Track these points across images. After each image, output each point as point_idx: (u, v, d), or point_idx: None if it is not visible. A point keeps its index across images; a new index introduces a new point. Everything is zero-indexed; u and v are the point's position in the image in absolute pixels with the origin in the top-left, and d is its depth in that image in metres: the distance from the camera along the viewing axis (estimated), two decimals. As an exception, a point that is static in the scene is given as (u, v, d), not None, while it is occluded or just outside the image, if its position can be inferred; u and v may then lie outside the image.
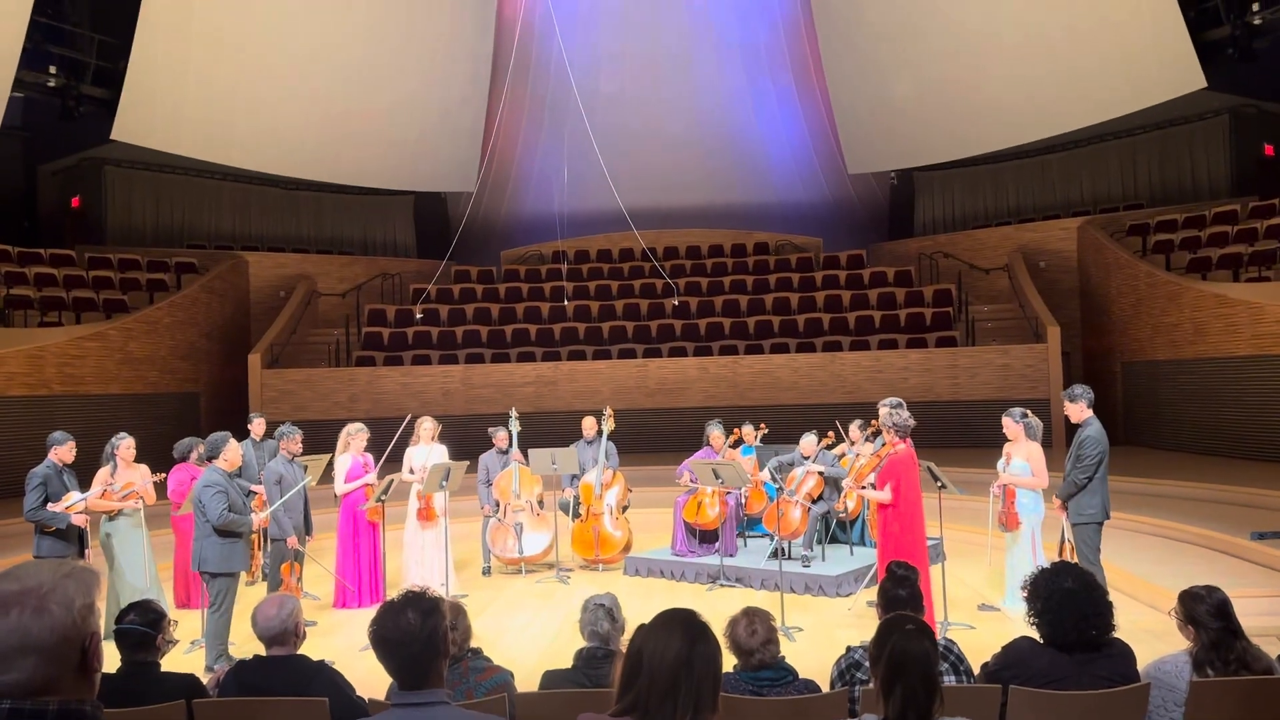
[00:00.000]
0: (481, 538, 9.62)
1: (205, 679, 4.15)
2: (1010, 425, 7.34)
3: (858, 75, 20.76)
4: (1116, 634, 3.49)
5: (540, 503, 9.59)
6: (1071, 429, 7.07)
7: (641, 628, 2.50)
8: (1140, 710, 3.36)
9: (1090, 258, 18.22)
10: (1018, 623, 6.33)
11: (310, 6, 18.91)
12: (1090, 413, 6.82)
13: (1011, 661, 3.50)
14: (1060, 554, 6.83)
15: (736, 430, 9.89)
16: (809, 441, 9.10)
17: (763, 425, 10.44)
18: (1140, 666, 3.48)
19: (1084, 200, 20.28)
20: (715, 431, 9.52)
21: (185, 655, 6.54)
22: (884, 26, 19.84)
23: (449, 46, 20.85)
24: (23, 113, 18.53)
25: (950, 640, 3.88)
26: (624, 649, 2.57)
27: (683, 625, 2.45)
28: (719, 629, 3.61)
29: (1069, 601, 3.40)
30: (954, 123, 19.78)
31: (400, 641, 2.55)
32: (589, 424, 9.99)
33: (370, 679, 4.60)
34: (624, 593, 4.29)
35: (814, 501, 8.75)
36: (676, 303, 18.79)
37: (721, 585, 8.49)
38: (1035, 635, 3.52)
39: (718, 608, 3.91)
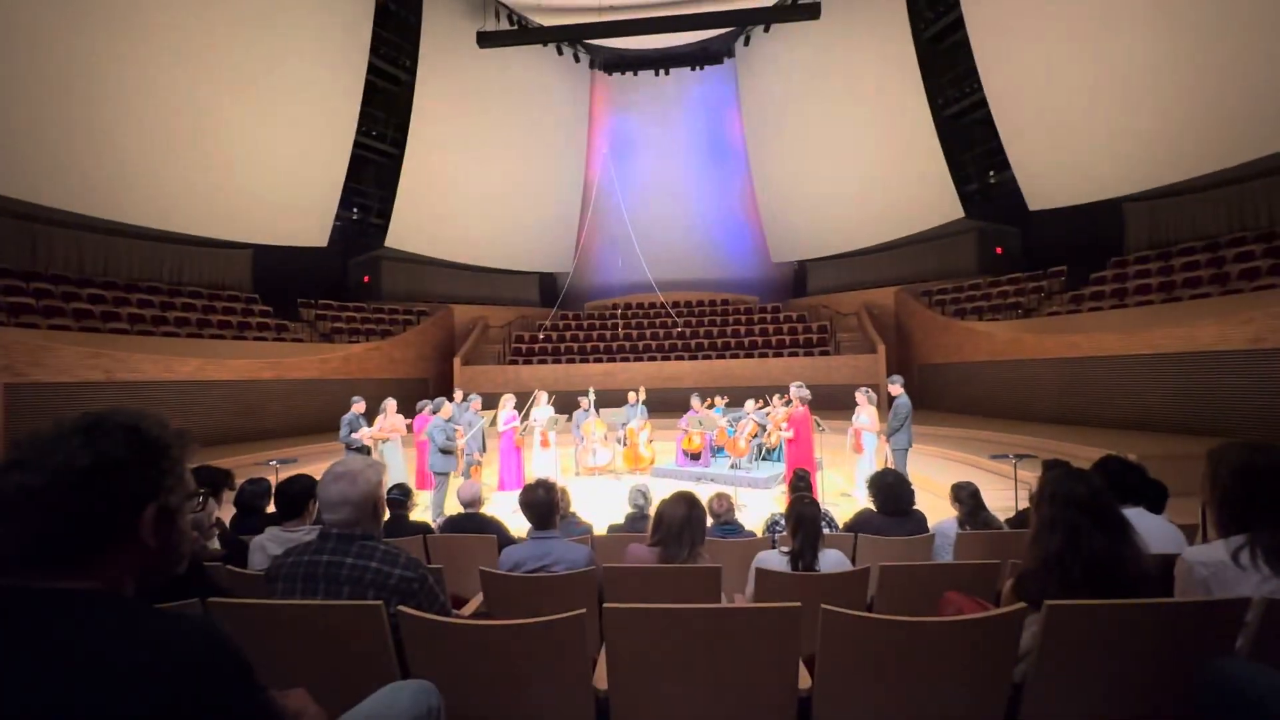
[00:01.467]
0: (574, 455, 9.68)
1: (433, 524, 4.29)
2: (860, 397, 7.30)
3: (771, 185, 20.36)
4: (916, 508, 3.50)
5: (605, 437, 9.62)
6: (890, 400, 7.01)
7: (663, 500, 2.62)
8: (929, 548, 3.39)
9: (902, 309, 17.79)
10: (863, 502, 6.29)
11: (489, 159, 19.14)
12: (902, 390, 6.80)
13: (859, 523, 3.55)
14: (885, 466, 6.79)
15: (710, 399, 9.85)
16: (750, 404, 9.09)
17: (725, 397, 10.40)
18: (930, 526, 3.49)
19: (898, 277, 19.67)
20: (695, 401, 9.52)
21: (420, 514, 6.68)
22: (780, 152, 19.35)
23: (561, 181, 20.92)
24: (340, 230, 18.95)
25: (827, 509, 3.93)
26: (652, 513, 2.69)
27: (684, 499, 2.59)
28: (703, 503, 3.71)
29: (891, 488, 3.44)
30: (829, 227, 19.42)
31: (533, 503, 2.69)
32: (631, 396, 10.04)
33: (518, 528, 4.74)
34: (652, 485, 4.37)
35: (753, 438, 8.73)
36: (679, 329, 18.68)
37: (704, 483, 8.46)
38: (873, 508, 3.56)
39: (703, 493, 3.99)
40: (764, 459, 9.17)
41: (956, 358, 14.86)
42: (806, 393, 6.78)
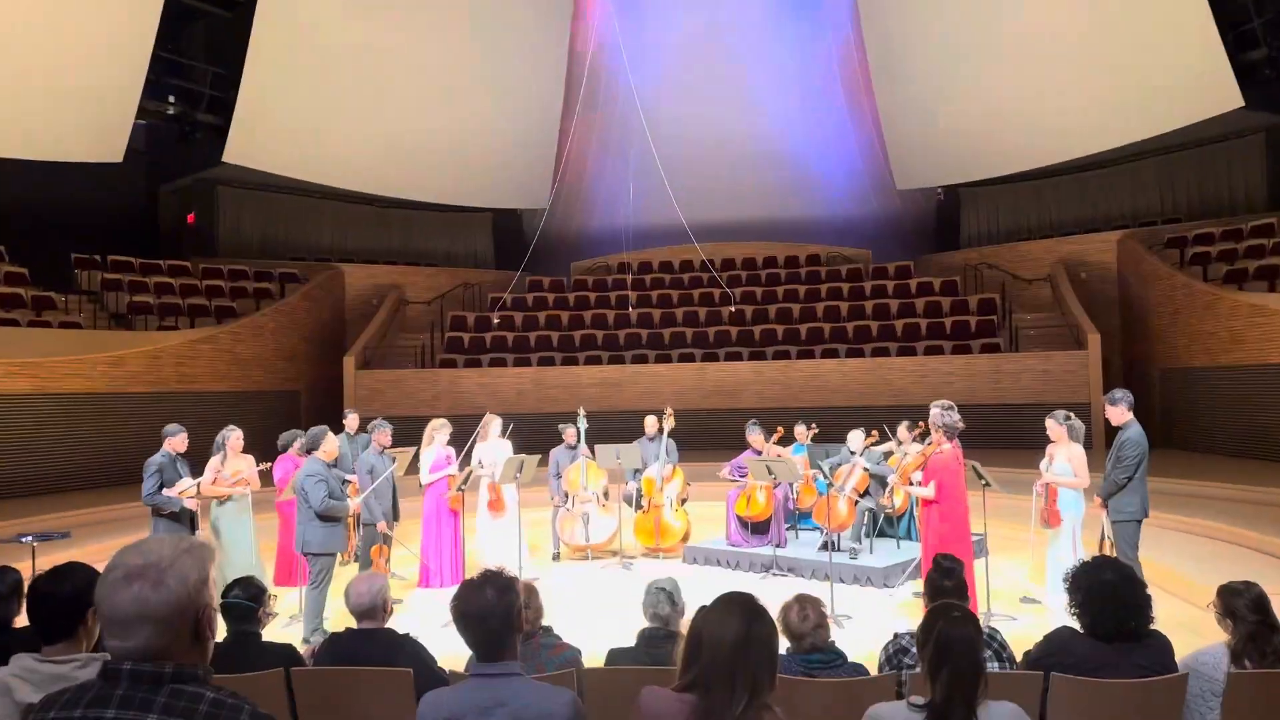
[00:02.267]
0: (551, 525, 9.69)
1: (302, 649, 4.25)
2: (1054, 427, 7.16)
3: (906, 94, 20.45)
4: (1154, 627, 3.38)
5: (605, 494, 9.64)
6: (1112, 431, 6.88)
7: (702, 609, 2.50)
8: (1178, 699, 3.26)
9: (1130, 269, 17.71)
10: (1058, 614, 6.16)
11: (398, 42, 19.33)
12: (1130, 415, 6.63)
13: (1053, 649, 3.42)
14: (1100, 550, 6.64)
15: (779, 429, 9.79)
16: (856, 435, 9.01)
17: (813, 425, 10.34)
18: (1178, 658, 3.37)
19: (1123, 215, 19.70)
20: (755, 435, 9.45)
21: (284, 628, 6.71)
22: (932, 48, 19.51)
23: (525, 74, 21.13)
24: (145, 138, 19.28)
25: (994, 629, 3.81)
26: (684, 630, 2.58)
27: (741, 607, 2.45)
28: (772, 614, 3.61)
29: (1108, 593, 3.30)
30: (999, 140, 19.34)
31: (479, 616, 2.59)
32: (651, 422, 10.01)
33: (451, 653, 4.68)
34: (682, 579, 4.28)
35: (861, 496, 8.63)
36: (733, 310, 18.72)
37: (774, 574, 8.43)
38: (1076, 626, 3.43)
39: (771, 595, 3.89)
40: (881, 534, 9.13)
41: (1231, 357, 14.66)
42: (956, 419, 6.64)
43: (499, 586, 2.63)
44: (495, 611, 2.59)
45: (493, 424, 9.00)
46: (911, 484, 6.95)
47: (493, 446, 8.89)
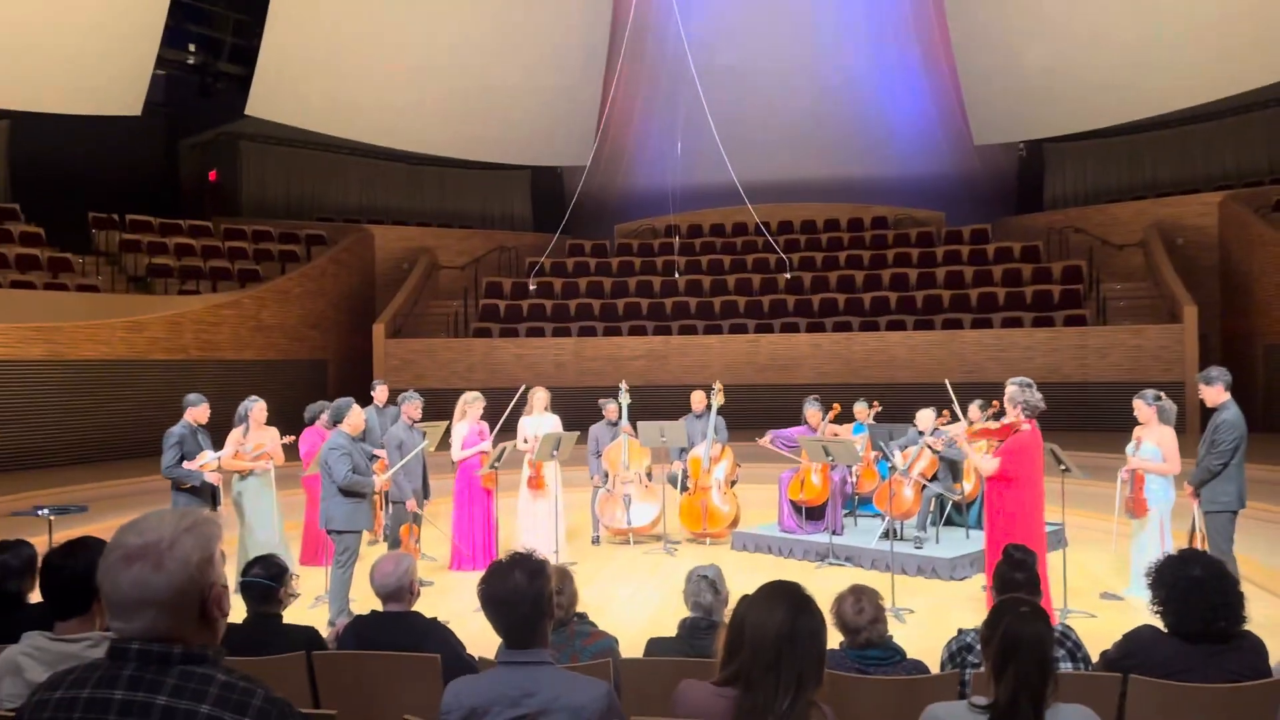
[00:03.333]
0: (591, 508, 9.76)
1: (327, 632, 4.34)
2: (1142, 408, 7.01)
3: (987, 43, 19.95)
4: (1248, 627, 3.31)
5: (649, 475, 9.68)
6: (1207, 414, 6.71)
7: (745, 599, 2.50)
8: (1272, 708, 3.18)
9: (1232, 235, 17.21)
10: (1141, 612, 6.05)
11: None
12: (1228, 396, 6.46)
13: (1133, 650, 3.36)
14: (1191, 543, 6.51)
15: (836, 406, 9.71)
16: (926, 415, 8.88)
17: (875, 403, 10.23)
18: (1273, 662, 3.30)
19: (1226, 174, 19.08)
20: (812, 409, 9.42)
21: (310, 610, 6.84)
22: None
23: (566, 24, 21.02)
24: (164, 90, 19.61)
25: (1067, 627, 3.76)
26: (727, 620, 2.59)
27: (786, 597, 2.44)
28: (826, 606, 3.60)
29: (1196, 590, 3.23)
30: (1088, 91, 18.80)
31: (507, 601, 2.61)
32: (698, 398, 9.99)
33: (481, 639, 4.75)
34: (730, 567, 4.29)
35: (928, 481, 8.55)
36: (790, 277, 18.56)
37: (830, 564, 8.40)
38: (1159, 624, 3.37)
39: (825, 586, 3.87)
40: (949, 522, 9.05)
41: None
42: (1037, 398, 6.53)
43: (529, 570, 2.65)
44: (525, 596, 2.61)
45: (539, 396, 9.09)
46: (983, 466, 6.83)
47: (539, 421, 8.99)
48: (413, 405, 8.30)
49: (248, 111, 18.18)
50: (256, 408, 7.83)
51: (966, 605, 7.05)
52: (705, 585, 3.96)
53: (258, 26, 18.13)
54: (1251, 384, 15.39)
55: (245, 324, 16.69)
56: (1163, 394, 7.14)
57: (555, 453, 8.51)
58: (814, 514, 9.14)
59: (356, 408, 6.97)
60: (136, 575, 1.68)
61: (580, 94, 21.77)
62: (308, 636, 3.83)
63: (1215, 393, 6.48)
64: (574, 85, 21.66)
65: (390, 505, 8.04)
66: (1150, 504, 6.93)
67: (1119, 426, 8.09)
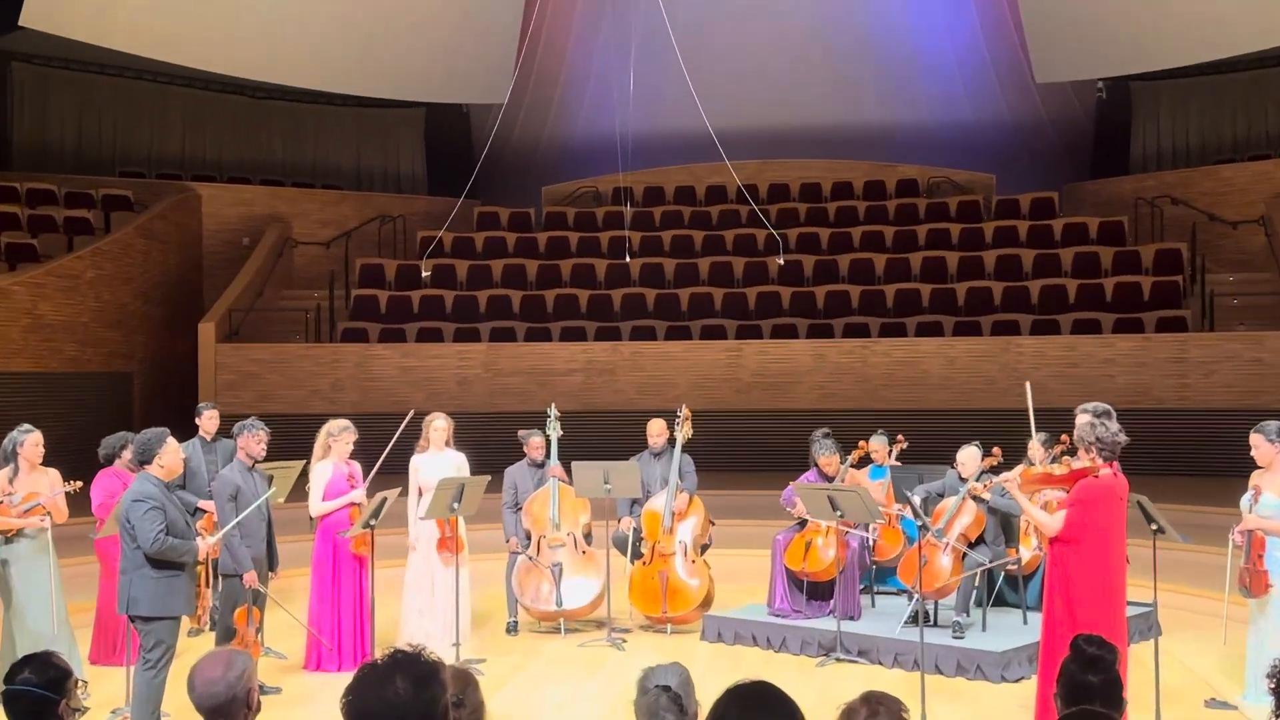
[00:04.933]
0: (506, 582, 9.69)
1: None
2: (1263, 446, 7.12)
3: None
4: None
5: (588, 536, 9.64)
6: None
7: (717, 706, 2.49)
8: None
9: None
10: (1263, 729, 6.16)
11: None
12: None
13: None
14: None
15: (862, 444, 9.75)
16: (970, 454, 8.95)
17: (900, 438, 10.29)
18: None
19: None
20: (826, 454, 9.39)
21: (103, 728, 6.72)
22: None
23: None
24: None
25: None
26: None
27: (768, 708, 2.44)
28: (829, 720, 3.60)
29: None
30: (1191, 13, 19.18)
31: (384, 719, 2.58)
32: (657, 429, 10.00)
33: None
34: (700, 666, 4.29)
35: (971, 545, 8.62)
36: (784, 262, 18.65)
37: (838, 660, 8.42)
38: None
39: (831, 690, 3.88)
40: (1000, 601, 9.12)
41: None
42: (1116, 431, 6.61)
43: (415, 676, 2.63)
44: (410, 712, 2.59)
45: (436, 426, 9.04)
46: (1047, 524, 6.89)
47: (437, 461, 8.92)
48: (254, 438, 8.16)
49: (21, 22, 17.82)
50: (28, 441, 7.63)
51: (1022, 716, 7.11)
52: (666, 702, 3.93)
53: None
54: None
55: (15, 322, 16.33)
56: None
57: (456, 505, 8.44)
58: (818, 592, 9.16)
59: (173, 441, 6.85)
60: None
61: (496, 9, 21.70)
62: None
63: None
64: (487, -7, 21.62)
65: (220, 580, 7.90)
66: (1273, 578, 7.03)
67: (1231, 470, 8.24)
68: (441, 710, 2.68)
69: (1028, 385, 7.52)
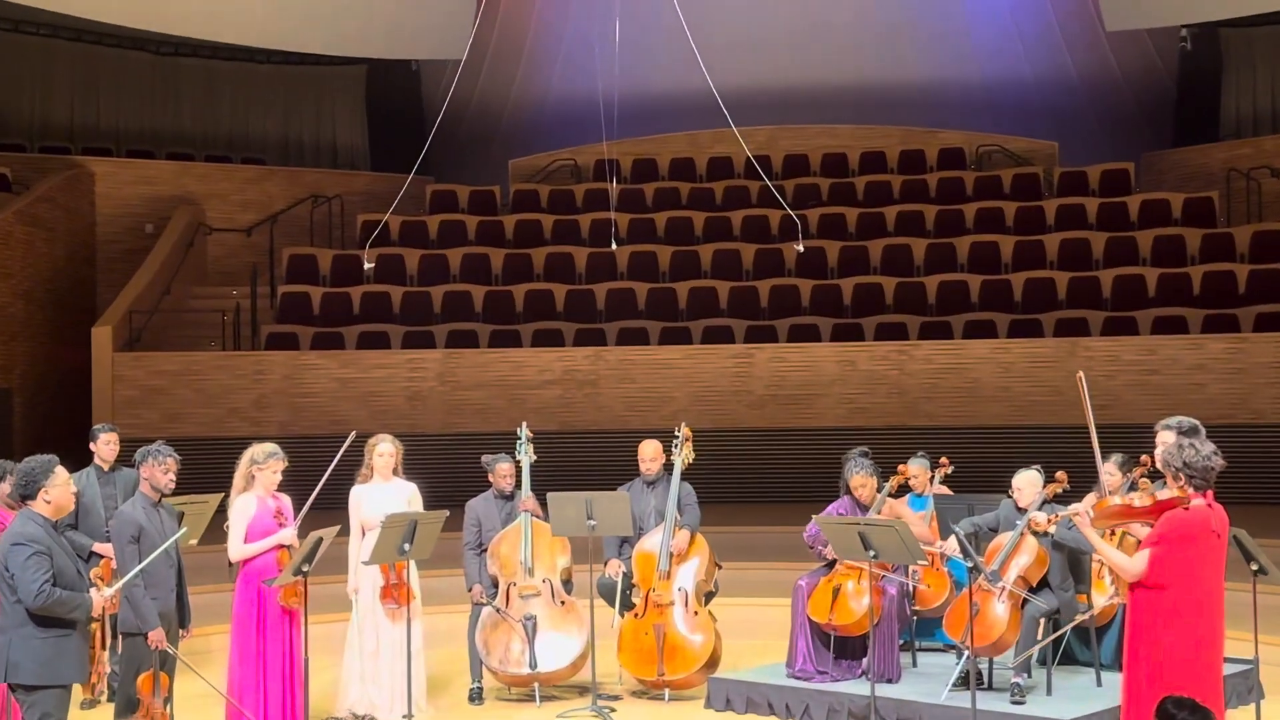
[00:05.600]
0: (468, 640, 9.68)
1: None
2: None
3: None
4: None
5: (567, 583, 9.64)
6: None
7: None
8: None
9: None
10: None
11: None
12: None
13: None
14: None
15: (902, 469, 9.75)
16: (1028, 481, 8.93)
17: (945, 461, 10.30)
18: None
19: None
20: (861, 474, 9.38)
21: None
22: None
23: None
24: None
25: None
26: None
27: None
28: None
29: None
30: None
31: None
32: (651, 453, 10.00)
33: None
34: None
35: (1033, 590, 8.62)
36: (803, 250, 18.64)
37: (872, 730, 8.43)
38: None
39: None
40: (1068, 659, 9.13)
41: None
42: (1208, 454, 6.60)
43: None
44: None
45: (383, 450, 9.04)
46: (1129, 567, 6.90)
47: (384, 493, 8.94)
48: (160, 467, 8.13)
49: None
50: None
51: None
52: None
53: None
54: None
55: None
56: None
57: (406, 547, 8.41)
58: (849, 648, 9.16)
59: (61, 471, 6.82)
60: None
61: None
62: None
63: None
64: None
65: (119, 640, 7.88)
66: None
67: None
68: None
69: (1080, 376, 7.52)
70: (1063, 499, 9.08)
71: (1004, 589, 8.60)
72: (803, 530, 9.67)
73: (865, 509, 9.23)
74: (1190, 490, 6.36)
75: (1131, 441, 8.78)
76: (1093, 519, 6.75)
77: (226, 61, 22.61)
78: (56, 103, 21.94)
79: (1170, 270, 18.39)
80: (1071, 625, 8.92)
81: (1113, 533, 7.05)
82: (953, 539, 8.87)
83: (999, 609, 8.59)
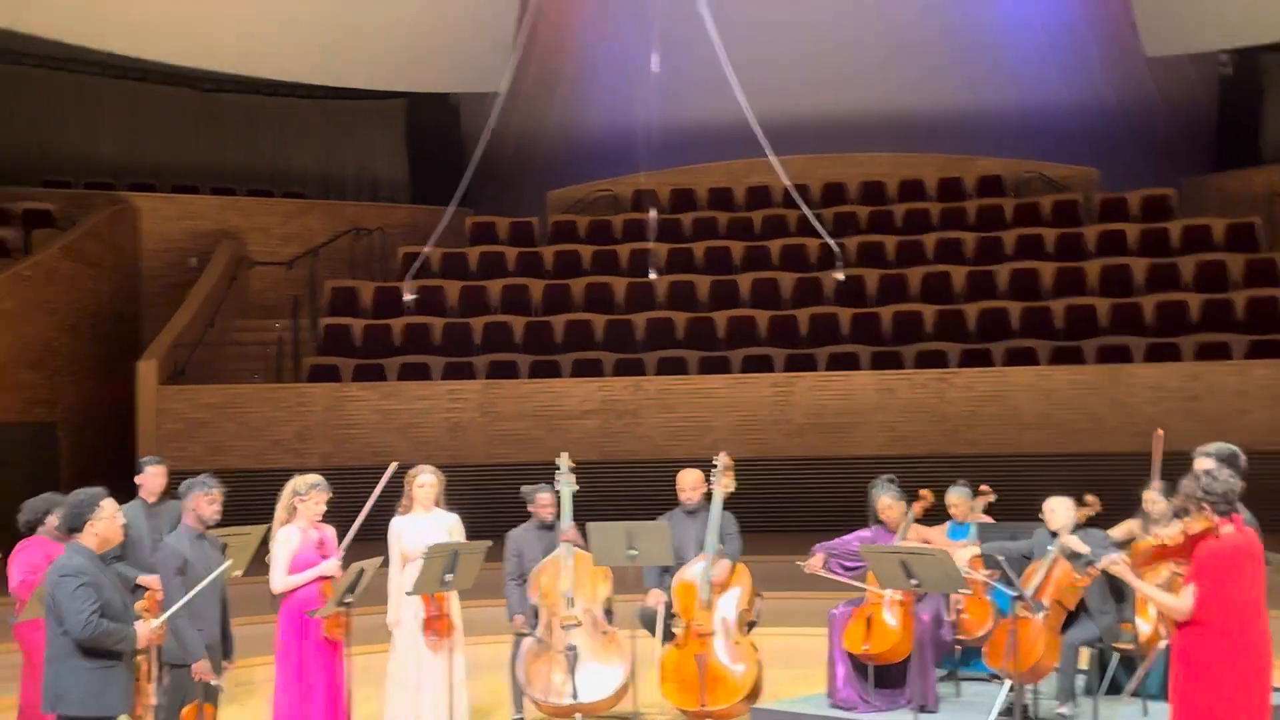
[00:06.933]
0: (510, 671, 9.69)
1: None
2: None
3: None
4: None
5: (609, 613, 9.64)
6: None
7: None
8: None
9: None
10: None
11: None
12: None
13: None
14: None
15: (924, 494, 9.70)
16: (1061, 505, 8.88)
17: (985, 488, 10.26)
18: None
19: None
20: (888, 498, 9.38)
21: None
22: None
23: None
24: None
25: None
26: None
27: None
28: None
29: None
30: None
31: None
32: (691, 482, 9.98)
33: None
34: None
35: (1071, 617, 8.56)
36: (843, 279, 18.68)
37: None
38: None
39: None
40: (1116, 689, 9.06)
41: None
42: (1225, 477, 6.54)
43: None
44: None
45: (425, 481, 9.06)
46: (1172, 602, 6.86)
47: (425, 524, 8.96)
48: (205, 499, 8.18)
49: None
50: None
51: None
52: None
53: None
54: None
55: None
56: None
57: (449, 577, 8.45)
58: (888, 677, 9.13)
59: (109, 504, 6.87)
60: None
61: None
62: None
63: None
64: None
65: (165, 671, 7.93)
66: None
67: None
68: None
69: (1159, 434, 7.48)
70: (1095, 522, 9.07)
71: (1043, 614, 8.56)
72: (826, 559, 9.69)
73: (891, 534, 9.24)
74: (1216, 518, 6.33)
75: (1174, 469, 8.72)
76: (1137, 563, 6.73)
77: (268, 97, 22.82)
78: (101, 140, 22.18)
79: (1213, 296, 18.32)
80: (1116, 653, 8.88)
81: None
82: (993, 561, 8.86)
83: (1038, 639, 8.55)
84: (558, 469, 9.83)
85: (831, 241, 18.04)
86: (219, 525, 8.35)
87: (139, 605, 7.68)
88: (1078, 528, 8.79)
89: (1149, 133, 22.66)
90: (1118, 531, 9.35)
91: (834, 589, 9.83)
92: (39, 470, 16.56)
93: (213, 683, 7.89)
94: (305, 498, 8.50)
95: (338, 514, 8.71)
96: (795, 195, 18.18)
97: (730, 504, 9.76)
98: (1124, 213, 20.54)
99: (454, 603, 8.82)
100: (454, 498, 9.36)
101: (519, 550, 9.70)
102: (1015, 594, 8.31)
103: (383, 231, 21.44)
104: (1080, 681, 8.76)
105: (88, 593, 6.53)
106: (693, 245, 20.81)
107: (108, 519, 6.84)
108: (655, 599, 9.83)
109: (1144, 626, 8.73)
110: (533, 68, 22.31)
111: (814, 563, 9.48)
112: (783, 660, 10.16)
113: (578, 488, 9.80)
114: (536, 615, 9.51)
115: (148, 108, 22.45)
